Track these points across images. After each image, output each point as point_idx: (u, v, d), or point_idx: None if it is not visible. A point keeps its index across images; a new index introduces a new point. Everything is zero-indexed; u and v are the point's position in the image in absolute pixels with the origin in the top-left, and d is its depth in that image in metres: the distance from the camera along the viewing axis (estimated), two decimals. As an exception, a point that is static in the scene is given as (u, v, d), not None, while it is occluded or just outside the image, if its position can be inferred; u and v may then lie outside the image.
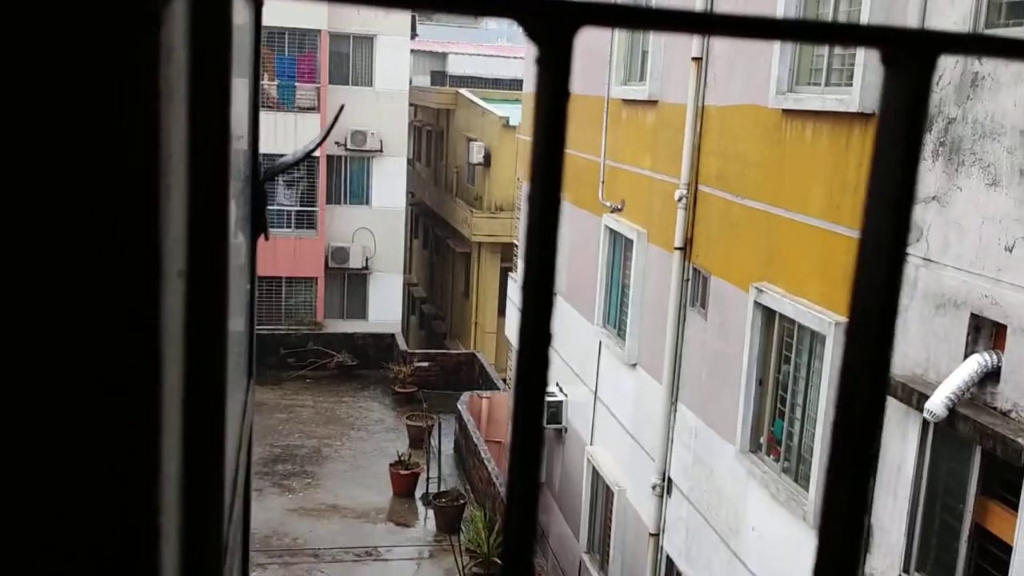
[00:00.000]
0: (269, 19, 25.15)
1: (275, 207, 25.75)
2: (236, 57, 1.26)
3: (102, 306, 0.50)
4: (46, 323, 0.50)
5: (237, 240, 1.36)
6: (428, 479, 17.52)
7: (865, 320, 0.46)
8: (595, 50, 13.46)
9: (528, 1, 0.41)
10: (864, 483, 0.47)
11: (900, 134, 0.44)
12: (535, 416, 0.44)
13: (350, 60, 26.56)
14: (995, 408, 6.09)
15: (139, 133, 0.47)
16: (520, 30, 0.48)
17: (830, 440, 0.47)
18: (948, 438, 6.51)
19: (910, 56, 0.43)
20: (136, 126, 0.47)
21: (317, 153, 25.35)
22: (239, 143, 1.39)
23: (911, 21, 6.86)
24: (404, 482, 17.73)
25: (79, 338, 0.51)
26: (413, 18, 27.64)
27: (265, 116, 24.84)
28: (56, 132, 0.46)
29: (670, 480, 10.98)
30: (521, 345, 0.44)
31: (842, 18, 8.03)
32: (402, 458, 17.98)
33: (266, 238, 1.58)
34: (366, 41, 26.55)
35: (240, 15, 1.20)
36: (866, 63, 7.37)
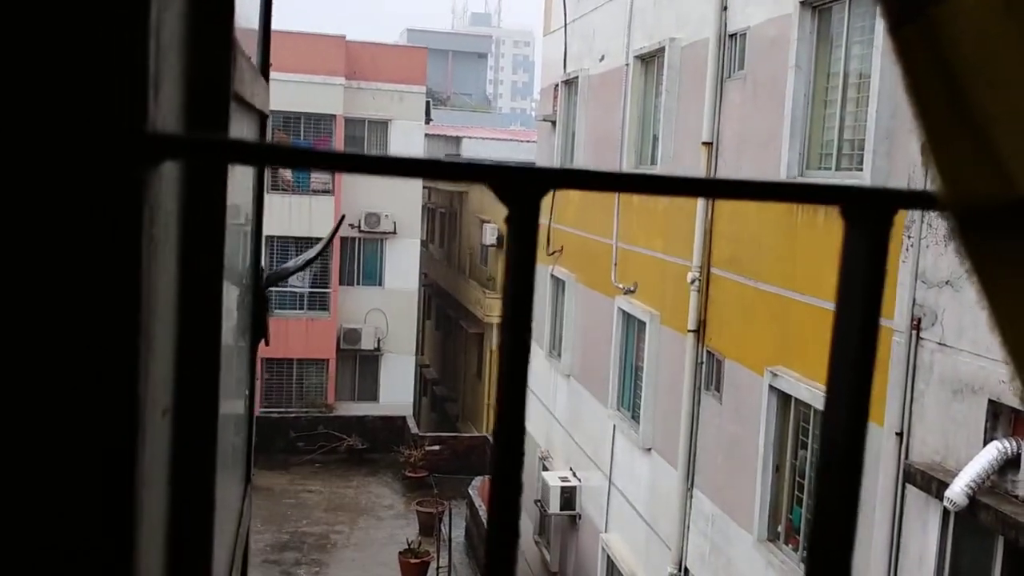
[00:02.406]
0: (286, 104, 25.71)
1: (288, 289, 25.90)
2: (239, 172, 1.27)
3: (77, 449, 0.49)
4: (26, 467, 0.49)
5: (237, 347, 1.35)
6: (439, 568, 17.18)
7: (831, 473, 0.46)
8: (607, 134, 13.67)
9: (500, 168, 0.45)
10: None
11: (860, 284, 0.46)
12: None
13: (365, 144, 27.03)
14: (1016, 496, 5.96)
15: (118, 292, 0.47)
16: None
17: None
18: (969, 528, 6.35)
19: (868, 212, 0.44)
20: (116, 286, 0.47)
21: (331, 235, 25.59)
22: (241, 251, 1.39)
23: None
24: (414, 571, 17.38)
25: (54, 478, 0.50)
26: (427, 103, 28.21)
27: (280, 199, 25.19)
28: (37, 291, 0.47)
29: (687, 570, 10.72)
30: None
31: (850, 107, 8.14)
32: (412, 546, 17.67)
33: (266, 344, 1.57)
34: (381, 125, 27.07)
35: (244, 130, 1.22)
36: (875, 149, 7.43)
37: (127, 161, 0.45)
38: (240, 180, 1.35)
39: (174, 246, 0.60)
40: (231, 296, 1.16)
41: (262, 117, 1.46)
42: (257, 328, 1.50)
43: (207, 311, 0.70)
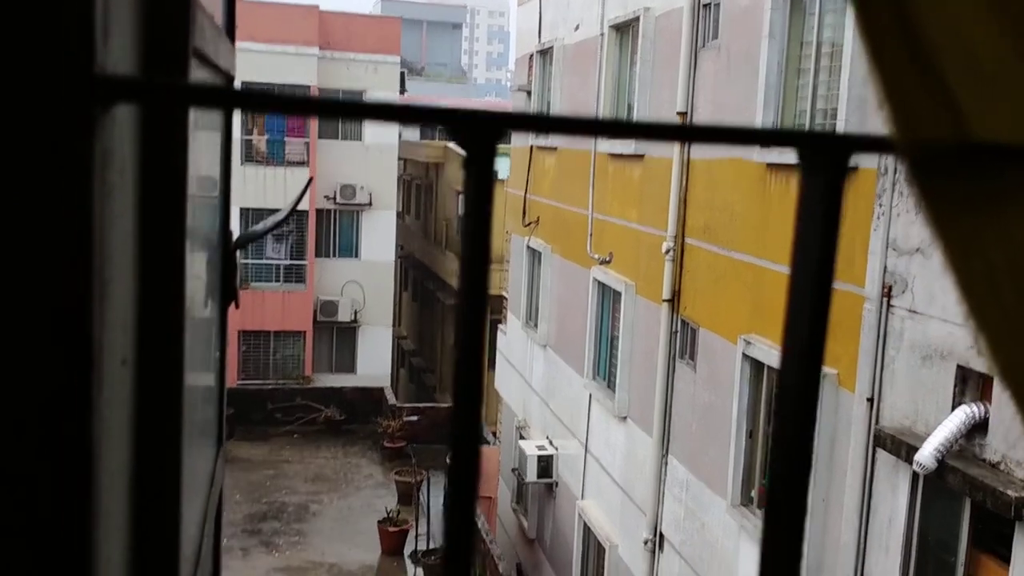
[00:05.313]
0: (259, 74, 25.39)
1: (264, 261, 25.76)
2: (205, 134, 1.27)
3: (32, 395, 0.49)
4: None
5: (207, 309, 1.35)
6: (417, 536, 17.30)
7: (786, 443, 0.47)
8: (583, 103, 13.62)
9: (455, 112, 0.46)
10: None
11: (817, 230, 0.45)
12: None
13: (339, 115, 26.79)
14: (984, 460, 6.07)
15: (68, 231, 0.47)
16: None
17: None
18: (938, 491, 6.47)
19: (824, 158, 0.44)
20: (66, 224, 0.47)
21: (306, 207, 25.46)
22: (208, 213, 1.39)
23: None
24: (393, 539, 17.49)
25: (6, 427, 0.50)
26: (402, 73, 27.99)
27: (255, 170, 24.97)
28: None
29: (662, 535, 10.86)
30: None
31: (823, 76, 8.16)
32: (391, 515, 17.76)
33: (236, 306, 1.57)
34: (356, 96, 26.82)
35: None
36: (847, 118, 7.47)
37: (75, 101, 0.45)
38: (207, 142, 1.34)
39: (132, 192, 0.60)
40: (198, 256, 1.16)
41: (228, 78, 1.46)
42: (226, 290, 1.50)
43: (169, 258, 0.71)
